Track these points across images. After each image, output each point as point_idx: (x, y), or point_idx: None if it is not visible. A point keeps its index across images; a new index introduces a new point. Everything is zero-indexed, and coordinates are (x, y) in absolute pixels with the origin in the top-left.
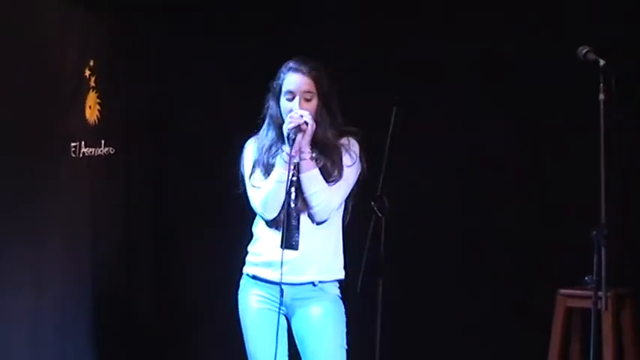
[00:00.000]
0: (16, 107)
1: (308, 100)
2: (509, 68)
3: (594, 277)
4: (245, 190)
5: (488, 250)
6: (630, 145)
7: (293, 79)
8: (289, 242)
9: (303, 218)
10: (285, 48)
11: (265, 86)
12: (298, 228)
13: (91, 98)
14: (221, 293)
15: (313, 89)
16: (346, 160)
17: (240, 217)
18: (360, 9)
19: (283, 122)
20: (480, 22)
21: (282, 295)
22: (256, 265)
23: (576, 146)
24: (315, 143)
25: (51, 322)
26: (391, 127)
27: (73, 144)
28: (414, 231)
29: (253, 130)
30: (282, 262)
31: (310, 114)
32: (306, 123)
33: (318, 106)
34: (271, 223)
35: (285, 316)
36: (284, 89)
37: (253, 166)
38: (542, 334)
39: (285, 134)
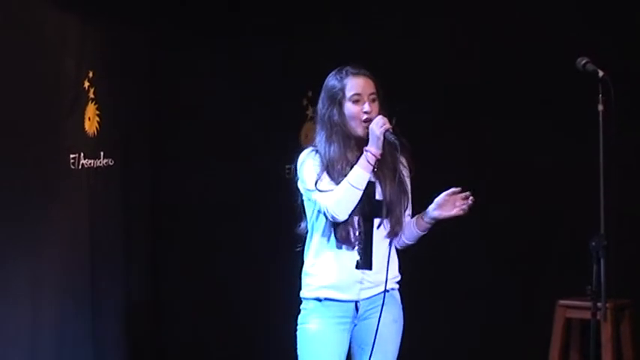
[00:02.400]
0: (15, 119)
1: (374, 101)
2: (511, 77)
3: (593, 288)
4: (303, 200)
5: (487, 260)
6: (629, 155)
7: (357, 82)
8: (366, 263)
9: (375, 234)
10: (284, 59)
11: (264, 96)
12: (372, 247)
13: (91, 110)
14: (221, 305)
15: (375, 90)
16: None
17: (238, 229)
18: (359, 15)
19: (348, 128)
20: (480, 27)
21: (357, 310)
22: (328, 288)
23: (576, 156)
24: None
25: (49, 335)
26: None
27: (72, 156)
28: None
29: (253, 140)
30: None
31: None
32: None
33: (380, 107)
34: (336, 243)
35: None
36: (348, 93)
37: (320, 174)
38: (542, 345)
39: (379, 133)
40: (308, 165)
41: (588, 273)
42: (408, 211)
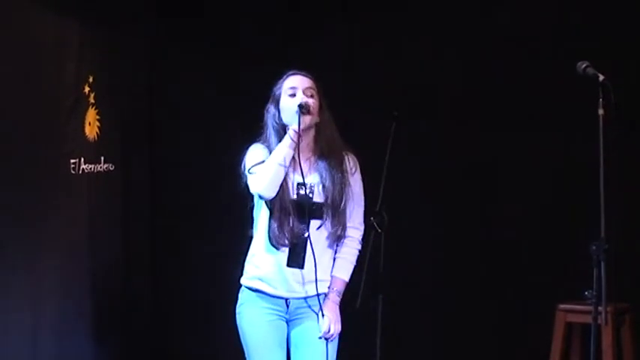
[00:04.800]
0: (15, 124)
1: (311, 96)
2: (511, 80)
3: (594, 292)
4: (246, 182)
5: (488, 264)
6: (629, 159)
7: (294, 78)
8: (295, 261)
9: (315, 236)
10: (282, 64)
11: (263, 99)
12: (305, 246)
13: (91, 115)
14: (220, 307)
15: (314, 87)
16: (354, 177)
17: (238, 231)
18: (358, 22)
19: (285, 127)
20: (478, 33)
21: (287, 307)
22: (261, 280)
23: (576, 159)
24: (321, 143)
25: (50, 340)
26: (390, 142)
27: (72, 161)
28: (413, 246)
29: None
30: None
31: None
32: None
33: (320, 106)
34: (274, 243)
35: (287, 323)
36: (285, 88)
37: (261, 162)
38: (542, 350)
39: (295, 108)
40: (254, 152)
41: (589, 277)
42: (359, 219)
